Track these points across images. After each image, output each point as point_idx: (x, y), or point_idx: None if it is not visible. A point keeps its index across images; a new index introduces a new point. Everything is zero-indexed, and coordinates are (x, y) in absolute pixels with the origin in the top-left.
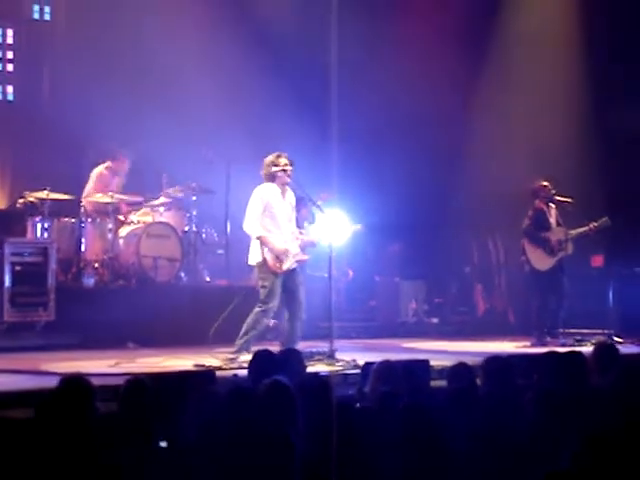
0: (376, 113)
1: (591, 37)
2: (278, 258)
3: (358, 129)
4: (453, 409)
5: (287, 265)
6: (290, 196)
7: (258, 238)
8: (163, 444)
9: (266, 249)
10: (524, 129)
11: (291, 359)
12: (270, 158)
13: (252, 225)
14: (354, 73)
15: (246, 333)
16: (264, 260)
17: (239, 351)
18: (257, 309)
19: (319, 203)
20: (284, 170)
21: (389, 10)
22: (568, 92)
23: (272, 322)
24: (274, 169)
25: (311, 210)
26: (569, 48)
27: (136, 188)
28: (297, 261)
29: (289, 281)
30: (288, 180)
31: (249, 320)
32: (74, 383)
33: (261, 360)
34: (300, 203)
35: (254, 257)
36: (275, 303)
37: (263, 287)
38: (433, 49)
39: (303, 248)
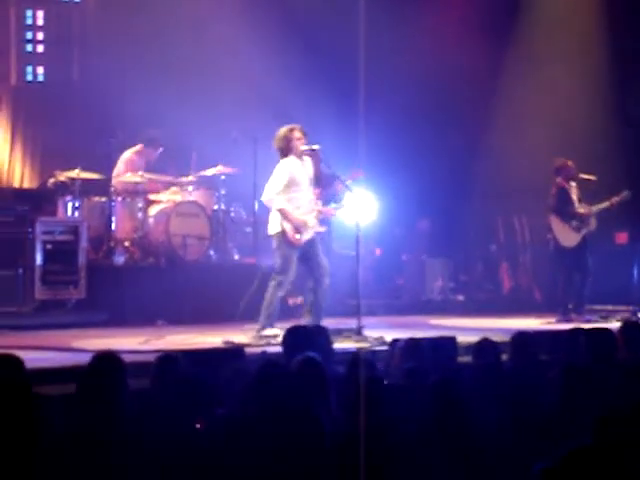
0: (404, 91)
1: (613, 20)
2: (297, 230)
3: (386, 107)
4: (479, 385)
5: (306, 237)
6: (308, 166)
7: (279, 210)
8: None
9: (285, 221)
10: (549, 108)
11: (318, 335)
12: (283, 132)
13: (273, 197)
14: (382, 52)
15: (266, 309)
16: (283, 231)
17: (263, 327)
18: (272, 282)
19: (348, 182)
20: (298, 142)
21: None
22: (591, 73)
23: (299, 299)
24: (289, 142)
25: (341, 188)
26: (592, 31)
27: (166, 167)
28: (315, 232)
29: (309, 250)
30: (301, 152)
31: (266, 295)
32: (106, 359)
33: (293, 336)
34: (330, 180)
35: (273, 227)
36: (290, 275)
37: (279, 258)
38: (461, 29)
39: (321, 220)
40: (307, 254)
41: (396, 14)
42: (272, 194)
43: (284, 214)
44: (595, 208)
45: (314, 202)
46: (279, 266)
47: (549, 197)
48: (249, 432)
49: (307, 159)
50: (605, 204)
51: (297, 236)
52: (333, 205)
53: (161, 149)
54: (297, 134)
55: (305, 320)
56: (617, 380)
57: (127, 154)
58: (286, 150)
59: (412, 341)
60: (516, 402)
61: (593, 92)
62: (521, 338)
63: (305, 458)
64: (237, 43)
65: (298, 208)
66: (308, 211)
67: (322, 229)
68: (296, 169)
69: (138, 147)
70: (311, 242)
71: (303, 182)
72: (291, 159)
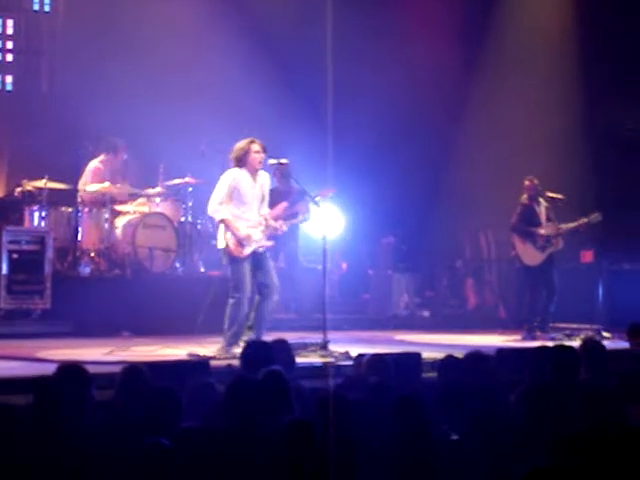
0: (373, 109)
1: (582, 38)
2: (240, 243)
3: (355, 125)
4: (442, 401)
5: (248, 250)
6: (263, 181)
7: (221, 221)
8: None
9: (228, 233)
10: (516, 126)
11: (279, 349)
12: (242, 143)
13: (216, 209)
14: (352, 68)
15: (229, 327)
16: (226, 244)
17: (229, 345)
18: (230, 300)
19: (317, 199)
20: (255, 156)
21: (386, 10)
22: (559, 92)
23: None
24: (246, 154)
25: (308, 204)
26: (561, 48)
27: (133, 178)
28: (260, 247)
29: (257, 265)
30: (259, 167)
31: (227, 313)
32: (71, 370)
33: (253, 350)
34: (299, 196)
35: (220, 241)
36: (246, 291)
37: (231, 275)
38: (430, 44)
39: (268, 235)
40: (255, 268)
41: (365, 30)
42: (215, 204)
43: (226, 225)
44: (564, 227)
45: (265, 217)
46: (233, 285)
47: (513, 215)
48: (217, 445)
49: (263, 175)
50: (575, 224)
51: (240, 249)
52: (300, 217)
53: (125, 155)
54: (255, 147)
55: (247, 336)
56: (578, 401)
57: (92, 164)
58: (241, 162)
59: (377, 356)
60: (479, 419)
61: (563, 108)
62: (476, 356)
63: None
64: (207, 56)
65: (243, 220)
66: (254, 225)
67: (269, 244)
68: (241, 181)
69: (102, 156)
70: (259, 257)
71: (249, 195)
72: (236, 171)
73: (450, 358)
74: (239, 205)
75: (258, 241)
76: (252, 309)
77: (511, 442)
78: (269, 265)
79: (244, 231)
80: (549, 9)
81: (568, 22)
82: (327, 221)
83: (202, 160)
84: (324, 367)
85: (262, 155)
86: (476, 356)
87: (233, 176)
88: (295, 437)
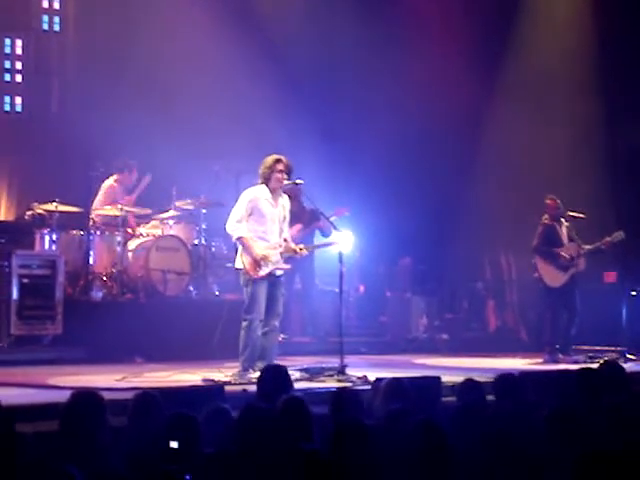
0: (389, 127)
1: (603, 55)
2: (256, 263)
3: (371, 144)
4: (463, 426)
5: (265, 271)
6: (284, 202)
7: (238, 239)
8: (174, 444)
9: (244, 253)
10: (536, 145)
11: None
12: (269, 160)
13: (234, 227)
14: (368, 89)
15: (243, 351)
16: (243, 265)
17: (245, 370)
18: (243, 323)
19: (333, 219)
20: (279, 175)
21: (403, 27)
22: (579, 110)
23: (281, 337)
24: (270, 172)
25: (326, 224)
26: (581, 66)
27: (146, 201)
28: (278, 269)
29: (271, 289)
30: (279, 187)
31: (241, 337)
32: (85, 398)
33: (270, 376)
34: (314, 216)
35: (237, 261)
36: (259, 313)
37: (245, 296)
38: (448, 65)
39: (286, 257)
40: (269, 293)
41: (381, 48)
42: (233, 222)
43: (243, 244)
44: (587, 247)
45: (286, 239)
46: (246, 306)
47: (534, 236)
48: (233, 471)
49: (284, 197)
50: (597, 244)
51: (257, 269)
52: (320, 239)
53: (136, 174)
54: (280, 166)
55: (258, 367)
56: (602, 424)
57: (106, 184)
58: (266, 180)
59: (395, 381)
60: (500, 443)
61: (584, 126)
62: (505, 380)
63: None
64: (220, 76)
65: (262, 240)
66: (273, 246)
67: (286, 267)
68: (262, 199)
69: (115, 176)
70: (276, 281)
71: (269, 214)
72: (258, 188)
73: (469, 382)
74: (258, 224)
75: (275, 263)
76: (259, 339)
77: (535, 465)
78: (281, 290)
79: (261, 251)
80: (569, 26)
81: (588, 39)
82: (344, 243)
83: (216, 181)
84: (341, 392)
85: (284, 175)
86: (505, 378)
87: (254, 194)
88: (309, 467)
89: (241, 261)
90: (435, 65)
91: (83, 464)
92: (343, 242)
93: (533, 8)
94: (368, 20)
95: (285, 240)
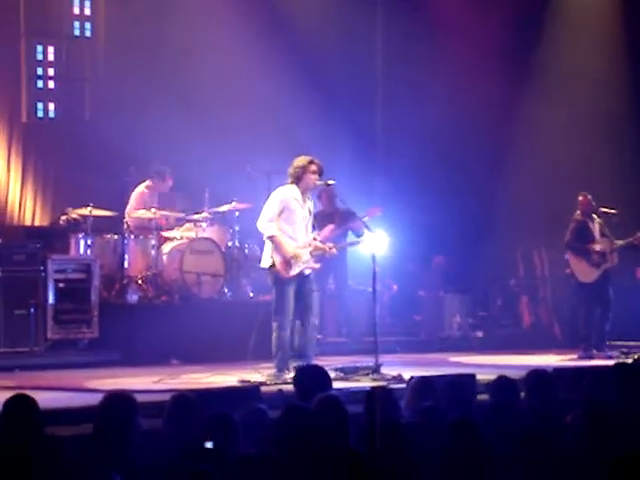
0: (421, 126)
1: (633, 51)
2: (287, 262)
3: (402, 143)
4: (496, 424)
5: (295, 271)
6: (310, 203)
7: (270, 238)
8: (209, 444)
9: (275, 252)
10: (568, 142)
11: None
12: (302, 161)
13: (265, 225)
14: (399, 88)
15: (276, 353)
16: (273, 264)
17: (279, 370)
18: (273, 324)
19: (365, 219)
20: (312, 176)
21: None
22: (610, 106)
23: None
24: (303, 173)
25: (359, 224)
26: (612, 61)
27: (179, 203)
28: (307, 268)
29: (301, 288)
30: (313, 188)
31: (273, 339)
32: (118, 399)
33: (306, 375)
34: (346, 216)
35: (265, 260)
36: (288, 314)
37: (274, 296)
38: (478, 66)
39: (316, 257)
40: (299, 292)
41: (414, 52)
42: (265, 221)
43: (275, 242)
44: (619, 243)
45: (315, 238)
46: (275, 306)
47: (567, 232)
48: (272, 473)
49: (311, 199)
50: (630, 239)
51: (287, 269)
52: (352, 239)
53: (171, 182)
54: (313, 167)
55: (295, 364)
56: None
57: (139, 190)
58: (297, 179)
59: (424, 379)
60: (533, 440)
61: (615, 121)
62: (537, 376)
63: None
64: (251, 79)
65: (292, 240)
66: (303, 245)
67: (316, 266)
68: (293, 199)
69: (148, 182)
70: (304, 279)
71: (299, 214)
72: (289, 188)
73: (502, 379)
74: (288, 224)
75: (306, 262)
76: (297, 335)
77: (568, 464)
78: (311, 287)
79: (293, 250)
80: (599, 24)
81: (618, 35)
82: (376, 242)
83: (248, 183)
84: (375, 391)
85: (317, 177)
86: (537, 375)
87: (285, 194)
88: (343, 466)
89: (271, 260)
90: (468, 62)
91: (117, 465)
92: (374, 241)
93: (562, 3)
94: (398, 17)
95: (314, 239)
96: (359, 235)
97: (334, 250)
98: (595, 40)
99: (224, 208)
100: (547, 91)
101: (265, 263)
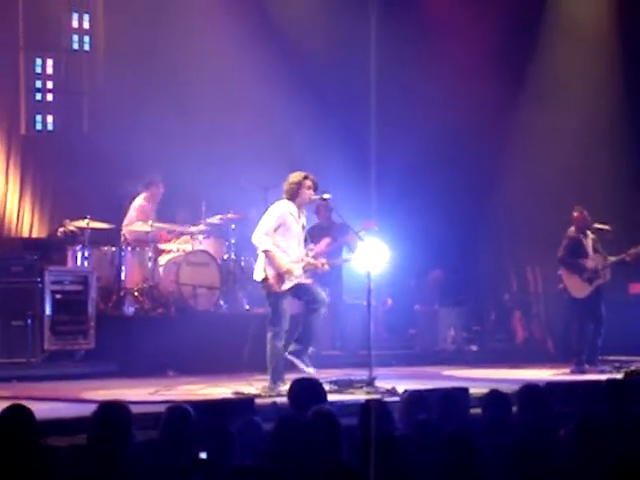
0: (416, 141)
1: (629, 67)
2: (280, 276)
3: (398, 157)
4: (489, 437)
5: (287, 285)
6: (303, 218)
7: (264, 252)
8: (203, 455)
9: (269, 266)
10: (563, 157)
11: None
12: (297, 177)
13: (261, 239)
14: (393, 101)
15: (270, 363)
16: (266, 278)
17: (274, 382)
18: (268, 334)
19: (361, 233)
20: (307, 191)
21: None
22: (606, 121)
23: (310, 349)
24: (298, 189)
25: (354, 238)
26: (607, 76)
27: (179, 217)
28: (299, 284)
29: (298, 291)
30: (309, 202)
31: (267, 349)
32: (112, 409)
33: (301, 387)
34: (342, 230)
35: (258, 273)
36: (283, 325)
37: (269, 308)
38: (472, 73)
39: (307, 271)
40: (298, 294)
41: (408, 57)
42: (261, 234)
43: (270, 257)
44: (612, 259)
45: (307, 254)
46: (270, 318)
47: (560, 248)
48: None
49: (305, 214)
50: (621, 257)
51: (279, 283)
52: (346, 255)
53: (162, 187)
54: (308, 183)
55: (291, 348)
56: (629, 434)
57: (138, 201)
58: (292, 195)
59: (417, 393)
60: (526, 454)
61: (610, 138)
62: (529, 390)
63: None
64: (246, 85)
65: (286, 255)
66: (296, 260)
67: (308, 281)
68: (290, 214)
69: (145, 193)
70: (301, 288)
71: (294, 230)
72: (286, 203)
73: (494, 393)
74: (284, 239)
75: (298, 277)
76: (299, 325)
77: (561, 478)
78: (314, 287)
79: (287, 265)
80: (594, 31)
81: (613, 42)
82: (371, 256)
83: (243, 195)
84: (369, 404)
85: (312, 192)
86: (529, 389)
87: (283, 209)
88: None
89: (264, 273)
90: (462, 66)
91: (112, 475)
92: (369, 257)
93: (558, 11)
94: (392, 22)
95: (307, 254)
96: (353, 250)
97: (326, 266)
98: (590, 47)
99: (216, 218)
100: (542, 97)
101: (258, 276)
